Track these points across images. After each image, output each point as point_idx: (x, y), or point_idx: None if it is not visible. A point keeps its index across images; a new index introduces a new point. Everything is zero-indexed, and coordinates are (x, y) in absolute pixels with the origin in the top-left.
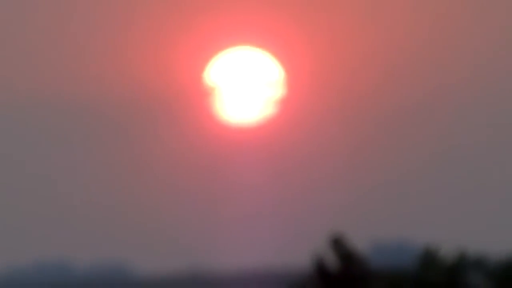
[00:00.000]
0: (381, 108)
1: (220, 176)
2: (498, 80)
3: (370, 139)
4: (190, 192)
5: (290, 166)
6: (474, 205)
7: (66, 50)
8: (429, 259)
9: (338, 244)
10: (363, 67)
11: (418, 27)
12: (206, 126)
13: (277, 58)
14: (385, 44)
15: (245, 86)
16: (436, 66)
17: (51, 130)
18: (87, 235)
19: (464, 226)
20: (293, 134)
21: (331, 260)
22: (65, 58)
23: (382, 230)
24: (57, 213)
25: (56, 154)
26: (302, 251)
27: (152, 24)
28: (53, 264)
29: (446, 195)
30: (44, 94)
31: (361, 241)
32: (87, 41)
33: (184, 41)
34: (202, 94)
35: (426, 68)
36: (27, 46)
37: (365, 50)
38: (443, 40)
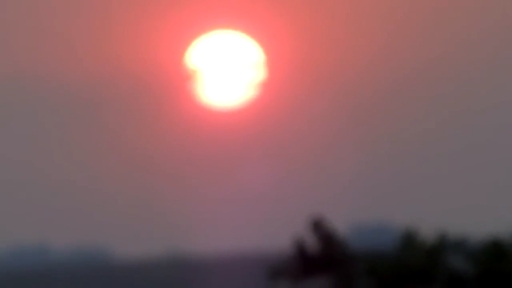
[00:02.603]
0: (363, 89)
1: (201, 160)
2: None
3: (351, 121)
4: (170, 176)
5: (271, 149)
6: (454, 186)
7: (46, 32)
8: (409, 241)
9: (318, 227)
10: (344, 48)
11: (402, 9)
12: (187, 109)
13: (257, 40)
14: (367, 25)
15: (227, 69)
16: (420, 47)
17: (29, 113)
18: (66, 220)
19: (444, 207)
20: (275, 117)
21: (312, 242)
22: (45, 41)
23: (362, 212)
24: (35, 197)
25: (35, 136)
26: (282, 234)
27: (132, 7)
28: (31, 249)
29: (426, 177)
30: (23, 77)
31: (341, 224)
32: (66, 24)
33: (164, 24)
34: (183, 78)
35: (409, 49)
36: (5, 28)
37: (347, 30)
38: (428, 23)
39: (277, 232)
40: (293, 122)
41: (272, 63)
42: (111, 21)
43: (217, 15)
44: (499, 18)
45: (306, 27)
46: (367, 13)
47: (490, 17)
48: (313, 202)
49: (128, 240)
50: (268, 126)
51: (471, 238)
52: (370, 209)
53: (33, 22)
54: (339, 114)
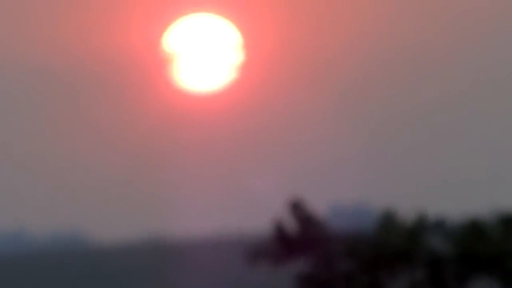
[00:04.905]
0: (344, 70)
1: (179, 144)
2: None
3: (330, 103)
4: (149, 160)
5: (251, 132)
6: (433, 167)
7: (22, 15)
8: (388, 222)
9: (297, 208)
10: (324, 29)
11: None
12: (166, 93)
13: (235, 23)
14: (348, 7)
15: (205, 53)
16: (408, 28)
17: (5, 97)
18: (43, 205)
19: (423, 188)
20: (255, 99)
21: (291, 223)
22: (22, 26)
23: (341, 194)
24: (12, 182)
25: (11, 121)
26: (262, 215)
27: None
28: (9, 234)
29: (405, 158)
30: (6, 62)
31: (321, 205)
32: (42, 8)
33: (142, 7)
34: (161, 61)
35: (396, 31)
36: None
37: (326, 11)
38: (413, 4)
39: (257, 213)
40: (272, 104)
41: (251, 46)
42: (88, 5)
43: None
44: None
45: (284, 9)
46: None
47: (481, 10)
48: (292, 184)
49: (106, 225)
50: (247, 108)
51: (450, 218)
52: (350, 190)
53: (9, 7)
54: (319, 95)
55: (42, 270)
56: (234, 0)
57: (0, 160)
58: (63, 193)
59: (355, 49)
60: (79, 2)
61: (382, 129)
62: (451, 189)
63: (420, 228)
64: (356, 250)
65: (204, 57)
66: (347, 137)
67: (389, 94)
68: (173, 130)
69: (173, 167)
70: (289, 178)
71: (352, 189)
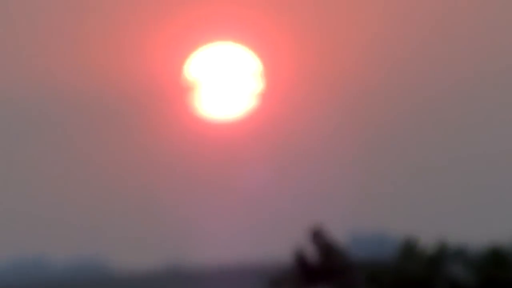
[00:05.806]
0: (365, 98)
1: (200, 172)
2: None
3: (351, 130)
4: (170, 188)
5: (270, 160)
6: (454, 194)
7: (40, 44)
8: (408, 251)
9: (318, 236)
10: (344, 56)
11: (404, 14)
12: (187, 122)
13: (254, 51)
14: (368, 33)
15: (226, 81)
16: (423, 52)
17: (30, 125)
18: (64, 232)
19: (444, 216)
20: (276, 127)
21: (311, 252)
22: (39, 53)
23: (361, 222)
24: (33, 209)
25: (33, 149)
26: (282, 244)
27: (129, 19)
28: (30, 261)
29: (426, 186)
30: (22, 89)
31: (341, 233)
32: (64, 37)
33: (162, 36)
34: (181, 90)
35: (414, 54)
36: (5, 41)
37: (346, 38)
38: (430, 28)
39: (277, 242)
40: (293, 131)
41: (271, 73)
42: (107, 33)
43: (214, 26)
44: (498, 20)
45: (304, 36)
46: (367, 21)
47: (489, 19)
48: (312, 212)
49: (127, 252)
50: (268, 136)
51: (471, 246)
52: (370, 218)
53: (32, 35)
54: (339, 123)
55: None
56: (254, 28)
57: (20, 187)
58: (83, 220)
59: (378, 77)
60: (99, 31)
61: (404, 156)
62: (472, 217)
63: (441, 256)
64: (376, 278)
65: (224, 85)
66: (368, 164)
67: (411, 122)
68: (193, 157)
69: (193, 195)
70: (308, 206)
71: (372, 216)
